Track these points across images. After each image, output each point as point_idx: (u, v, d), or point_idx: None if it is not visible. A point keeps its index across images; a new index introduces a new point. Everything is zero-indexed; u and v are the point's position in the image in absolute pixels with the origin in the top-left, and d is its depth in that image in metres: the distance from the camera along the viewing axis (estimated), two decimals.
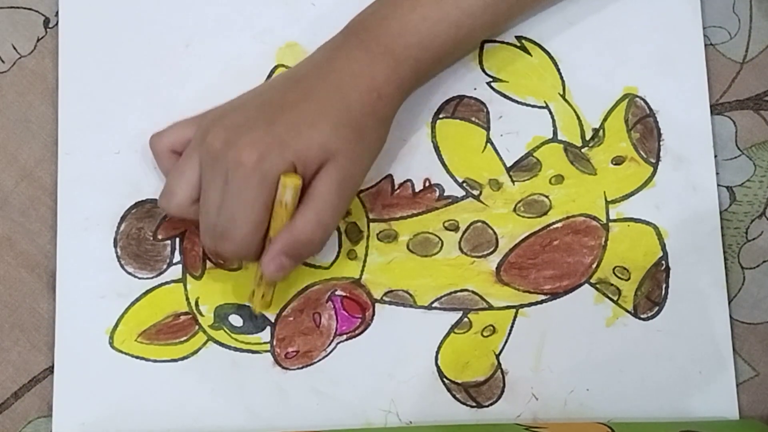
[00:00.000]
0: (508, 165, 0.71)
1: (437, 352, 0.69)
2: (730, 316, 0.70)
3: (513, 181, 0.70)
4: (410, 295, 0.69)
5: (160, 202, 0.66)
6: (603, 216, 0.70)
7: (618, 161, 0.71)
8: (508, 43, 0.71)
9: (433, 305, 0.69)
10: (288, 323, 0.68)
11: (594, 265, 0.70)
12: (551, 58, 0.71)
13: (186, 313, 0.68)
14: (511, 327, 0.69)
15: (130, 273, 0.69)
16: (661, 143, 0.71)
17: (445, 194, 0.70)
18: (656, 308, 0.69)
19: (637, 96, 0.71)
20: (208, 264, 0.69)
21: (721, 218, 0.71)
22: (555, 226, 0.70)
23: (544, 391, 0.69)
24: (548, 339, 0.69)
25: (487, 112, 0.71)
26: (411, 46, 0.65)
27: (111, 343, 0.68)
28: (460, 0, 0.66)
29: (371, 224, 0.70)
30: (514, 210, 0.70)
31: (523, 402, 0.69)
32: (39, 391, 0.68)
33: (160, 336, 0.68)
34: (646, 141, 0.71)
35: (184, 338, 0.68)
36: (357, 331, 0.69)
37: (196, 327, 0.68)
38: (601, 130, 0.71)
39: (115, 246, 0.69)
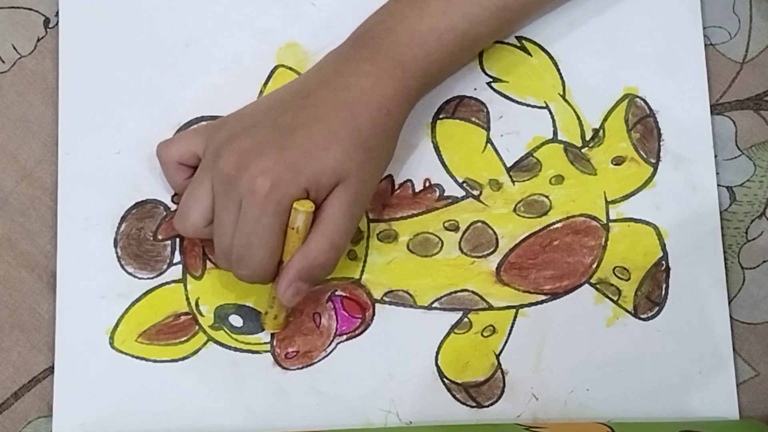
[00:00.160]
0: (509, 165, 0.71)
1: (437, 352, 0.69)
2: (730, 316, 0.70)
3: (513, 182, 0.70)
4: (410, 295, 0.69)
5: (176, 224, 0.66)
6: (603, 216, 0.70)
7: (618, 161, 0.71)
8: (508, 44, 0.71)
9: (433, 305, 0.69)
10: (288, 323, 0.68)
11: (594, 266, 0.70)
12: (551, 58, 0.71)
13: (186, 314, 0.68)
14: (511, 327, 0.69)
15: (130, 273, 0.69)
16: (661, 143, 0.71)
17: (445, 194, 0.70)
18: (656, 308, 0.69)
19: (637, 96, 0.71)
20: (209, 264, 0.69)
21: (721, 218, 0.71)
22: (555, 226, 0.70)
23: (544, 391, 0.69)
24: (548, 339, 0.69)
25: (488, 113, 0.71)
26: (419, 58, 0.65)
27: (111, 344, 0.68)
28: (467, 10, 0.66)
29: (371, 224, 0.70)
30: (514, 210, 0.70)
31: (523, 402, 0.69)
32: (39, 391, 0.68)
33: (160, 336, 0.68)
34: (646, 141, 0.71)
35: (185, 338, 0.68)
36: (357, 331, 0.69)
37: (197, 327, 0.68)
38: (601, 131, 0.71)
39: (116, 246, 0.69)
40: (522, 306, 0.69)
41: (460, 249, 0.70)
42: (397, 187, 0.70)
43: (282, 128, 0.63)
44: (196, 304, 0.68)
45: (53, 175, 0.70)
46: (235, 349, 0.68)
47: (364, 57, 0.65)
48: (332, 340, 0.69)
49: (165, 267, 0.69)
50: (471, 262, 0.70)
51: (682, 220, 0.70)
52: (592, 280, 0.70)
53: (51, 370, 0.68)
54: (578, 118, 0.71)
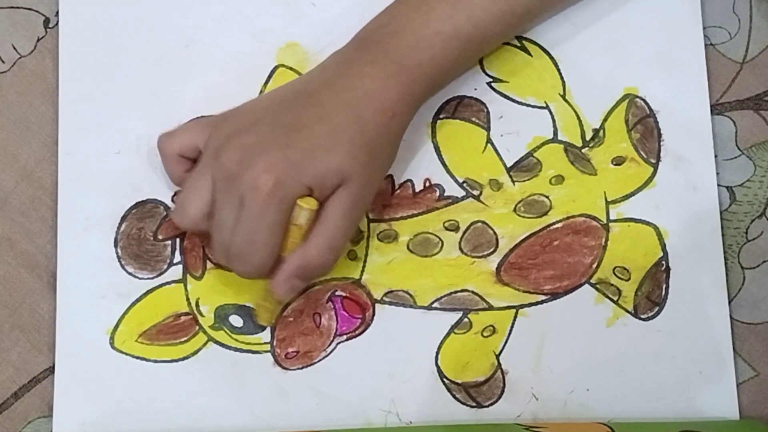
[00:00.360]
0: (509, 165, 0.71)
1: (437, 353, 0.69)
2: (731, 316, 0.70)
3: (513, 182, 0.70)
4: (410, 295, 0.69)
5: (174, 216, 0.66)
6: (603, 216, 0.70)
7: (618, 161, 0.71)
8: (508, 44, 0.71)
9: (433, 305, 0.69)
10: (288, 323, 0.68)
11: (594, 266, 0.70)
12: (551, 58, 0.71)
13: (186, 314, 0.68)
14: (511, 327, 0.69)
15: (130, 273, 0.69)
16: (662, 143, 0.71)
17: (445, 194, 0.70)
18: (656, 308, 0.70)
19: (638, 96, 0.71)
20: (209, 264, 0.69)
21: (721, 218, 0.71)
22: (555, 226, 0.70)
23: (544, 391, 0.69)
24: (548, 339, 0.69)
25: (488, 113, 0.71)
26: (424, 62, 0.65)
27: (111, 344, 0.68)
28: (472, 14, 0.65)
29: (371, 224, 0.70)
30: (515, 210, 0.70)
31: (523, 402, 0.69)
32: (39, 391, 0.68)
33: (160, 336, 0.68)
34: (646, 141, 0.71)
35: (185, 339, 0.68)
36: (357, 332, 0.69)
37: (197, 327, 0.68)
38: (602, 131, 0.71)
39: (116, 246, 0.69)
40: (522, 306, 0.69)
41: (460, 249, 0.70)
42: (397, 187, 0.70)
43: (285, 126, 0.63)
44: (197, 305, 0.68)
45: (53, 175, 0.70)
46: (235, 349, 0.68)
47: (369, 60, 0.65)
48: (332, 340, 0.69)
49: (165, 267, 0.69)
50: (471, 262, 0.70)
51: (682, 220, 0.70)
52: (592, 280, 0.70)
53: (51, 370, 0.68)
54: (578, 118, 0.71)
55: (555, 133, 0.71)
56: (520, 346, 0.69)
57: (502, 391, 0.69)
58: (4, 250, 0.69)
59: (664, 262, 0.70)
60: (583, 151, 0.71)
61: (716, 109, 0.72)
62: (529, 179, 0.70)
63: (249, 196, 0.61)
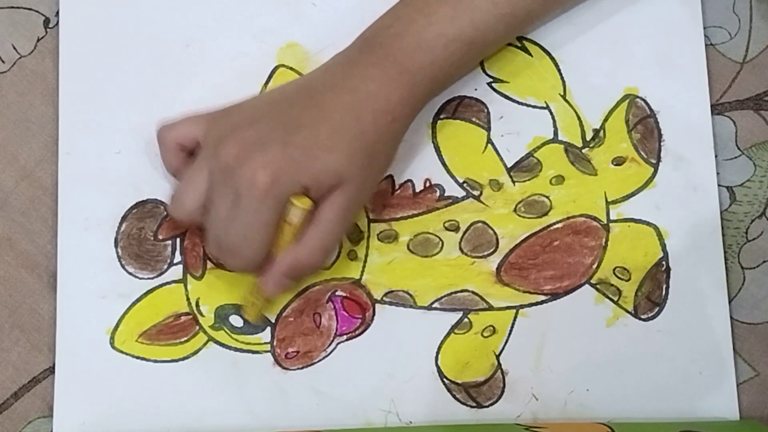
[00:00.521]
0: (509, 165, 0.71)
1: (437, 353, 0.69)
2: (731, 316, 0.70)
3: (513, 182, 0.70)
4: (410, 295, 0.69)
5: (169, 208, 0.66)
6: (603, 216, 0.70)
7: (618, 162, 0.71)
8: (509, 44, 0.71)
9: (434, 305, 0.69)
10: (288, 324, 0.68)
11: (594, 266, 0.70)
12: (552, 58, 0.71)
13: (186, 314, 0.68)
14: (512, 327, 0.69)
15: (130, 273, 0.69)
16: (662, 144, 0.71)
17: (445, 194, 0.70)
18: (656, 309, 0.70)
19: (638, 96, 0.71)
20: (209, 264, 0.69)
21: (721, 218, 0.71)
22: (555, 226, 0.70)
23: (544, 392, 0.69)
24: (548, 339, 0.69)
25: (488, 113, 0.71)
26: (426, 65, 0.65)
27: (112, 344, 0.68)
28: (475, 17, 0.65)
29: (372, 224, 0.70)
30: (515, 210, 0.70)
31: (523, 402, 0.69)
32: (39, 391, 0.68)
33: (160, 336, 0.68)
34: (646, 141, 0.71)
35: (185, 339, 0.68)
36: (357, 332, 0.69)
37: (197, 327, 0.68)
38: (602, 131, 0.71)
39: (116, 246, 0.69)
40: (522, 306, 0.69)
41: (461, 249, 0.70)
42: (397, 187, 0.70)
43: (286, 124, 0.63)
44: (197, 305, 0.68)
45: (53, 175, 0.70)
46: (236, 349, 0.68)
47: (371, 62, 0.65)
48: (332, 341, 0.69)
49: (165, 267, 0.69)
50: (471, 262, 0.70)
51: (682, 221, 0.70)
52: (593, 281, 0.70)
53: (51, 370, 0.68)
54: (579, 118, 0.71)
55: (555, 133, 0.71)
56: (520, 346, 0.69)
57: (502, 391, 0.69)
58: (4, 250, 0.69)
59: (664, 263, 0.70)
60: (583, 151, 0.71)
61: (716, 109, 0.72)
62: (529, 179, 0.70)
63: (245, 192, 0.61)
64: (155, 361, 0.68)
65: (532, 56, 0.71)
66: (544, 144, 0.71)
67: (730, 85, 0.73)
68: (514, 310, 0.69)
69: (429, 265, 0.70)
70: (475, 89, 0.71)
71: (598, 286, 0.70)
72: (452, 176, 0.70)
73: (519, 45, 0.71)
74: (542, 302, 0.69)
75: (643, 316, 0.69)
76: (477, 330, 0.69)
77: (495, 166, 0.71)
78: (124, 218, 0.69)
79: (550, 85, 0.71)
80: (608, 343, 0.69)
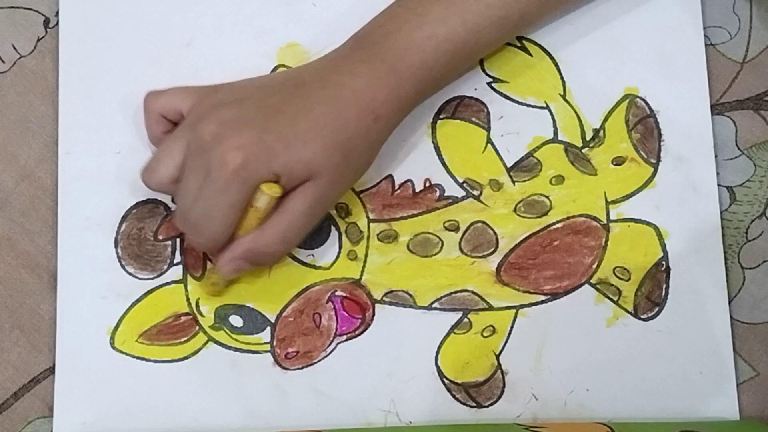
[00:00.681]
0: (509, 165, 0.71)
1: (437, 353, 0.69)
2: (731, 316, 0.70)
3: (513, 182, 0.70)
4: (410, 295, 0.69)
5: (143, 175, 0.66)
6: (603, 216, 0.70)
7: (618, 162, 0.71)
8: (509, 44, 0.71)
9: (433, 305, 0.69)
10: (288, 324, 0.68)
11: (594, 266, 0.70)
12: (552, 58, 0.71)
13: (186, 314, 0.68)
14: (511, 327, 0.69)
15: (130, 273, 0.69)
16: (662, 143, 0.71)
17: (445, 194, 0.70)
18: (656, 308, 0.70)
19: (638, 96, 0.71)
20: (209, 264, 0.69)
21: (721, 218, 0.71)
22: (555, 226, 0.70)
23: (544, 392, 0.69)
24: (548, 339, 0.69)
25: (488, 113, 0.71)
26: (415, 65, 0.65)
27: (112, 344, 0.68)
28: (467, 18, 0.65)
29: (371, 224, 0.70)
30: (515, 210, 0.70)
31: (523, 402, 0.69)
32: (39, 391, 0.68)
33: (160, 336, 0.68)
34: (646, 141, 0.71)
35: (185, 339, 0.68)
36: (357, 332, 0.69)
37: (197, 327, 0.68)
38: (602, 131, 0.71)
39: (116, 246, 0.69)
40: (522, 306, 0.69)
41: (461, 249, 0.70)
42: (397, 187, 0.70)
43: (268, 110, 0.63)
44: (197, 305, 0.68)
45: (53, 175, 0.70)
46: (235, 349, 0.68)
47: (361, 58, 0.65)
48: (332, 341, 0.69)
49: (165, 267, 0.69)
50: (471, 262, 0.70)
51: (682, 221, 0.70)
52: (593, 281, 0.70)
53: (51, 370, 0.68)
54: (579, 118, 0.71)
55: (555, 133, 0.71)
56: (520, 346, 0.69)
57: (502, 392, 0.69)
58: (4, 250, 0.69)
59: (664, 263, 0.70)
60: (583, 151, 0.71)
61: (716, 109, 0.72)
62: (529, 179, 0.70)
63: (214, 170, 0.62)
64: (155, 361, 0.68)
65: (532, 56, 0.71)
66: (544, 144, 0.71)
67: (730, 85, 0.73)
68: (514, 310, 0.69)
69: (429, 265, 0.70)
70: (475, 89, 0.71)
71: (598, 286, 0.70)
72: (452, 176, 0.70)
73: (519, 45, 0.71)
74: (542, 302, 0.69)
75: (643, 316, 0.69)
76: (477, 330, 0.69)
77: (495, 166, 0.71)
78: (124, 218, 0.69)
79: (550, 85, 0.71)
80: (608, 343, 0.69)
